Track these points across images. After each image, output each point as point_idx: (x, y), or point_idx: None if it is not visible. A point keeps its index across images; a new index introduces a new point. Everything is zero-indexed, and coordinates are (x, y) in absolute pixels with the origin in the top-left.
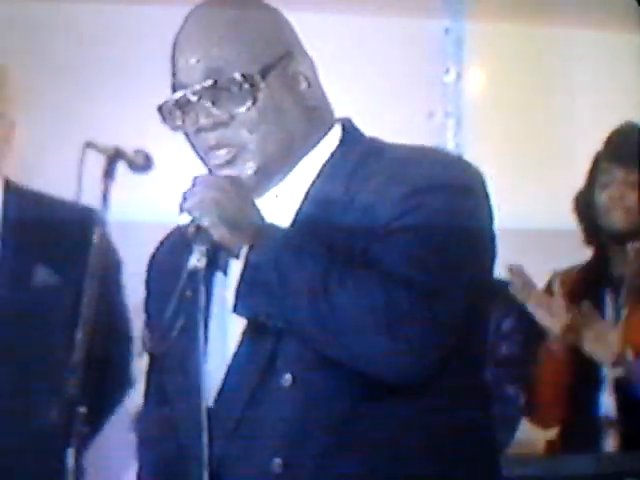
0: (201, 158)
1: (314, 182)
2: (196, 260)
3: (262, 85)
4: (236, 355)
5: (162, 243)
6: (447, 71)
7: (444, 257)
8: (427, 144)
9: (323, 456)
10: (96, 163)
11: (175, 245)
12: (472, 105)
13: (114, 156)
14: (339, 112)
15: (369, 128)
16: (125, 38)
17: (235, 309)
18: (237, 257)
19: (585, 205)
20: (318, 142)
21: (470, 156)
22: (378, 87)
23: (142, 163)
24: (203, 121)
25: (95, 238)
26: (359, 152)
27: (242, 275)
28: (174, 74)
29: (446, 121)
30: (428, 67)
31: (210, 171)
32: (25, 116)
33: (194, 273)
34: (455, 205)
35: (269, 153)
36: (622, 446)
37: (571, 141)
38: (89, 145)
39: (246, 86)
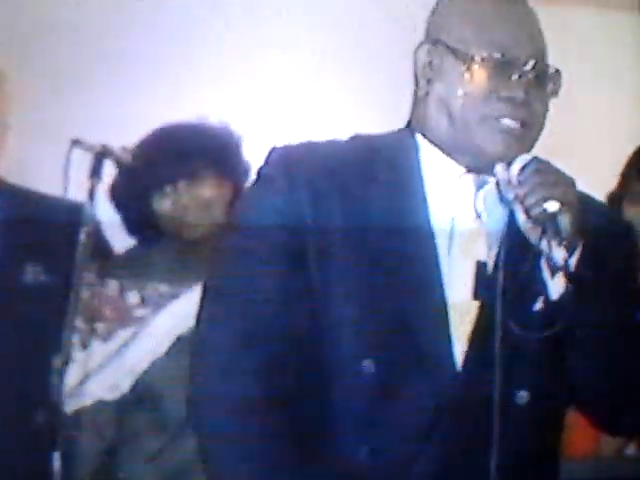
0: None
1: None
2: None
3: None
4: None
5: None
6: None
7: None
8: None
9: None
10: (83, 161)
11: None
12: None
13: (101, 154)
14: (336, 108)
15: (367, 124)
16: (115, 36)
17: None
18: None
19: None
20: None
21: None
22: (378, 84)
23: (129, 160)
24: (519, 93)
25: (82, 235)
26: None
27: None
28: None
29: None
30: None
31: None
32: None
33: None
34: None
35: (527, 148)
36: None
37: (571, 137)
38: (76, 143)
39: (552, 75)
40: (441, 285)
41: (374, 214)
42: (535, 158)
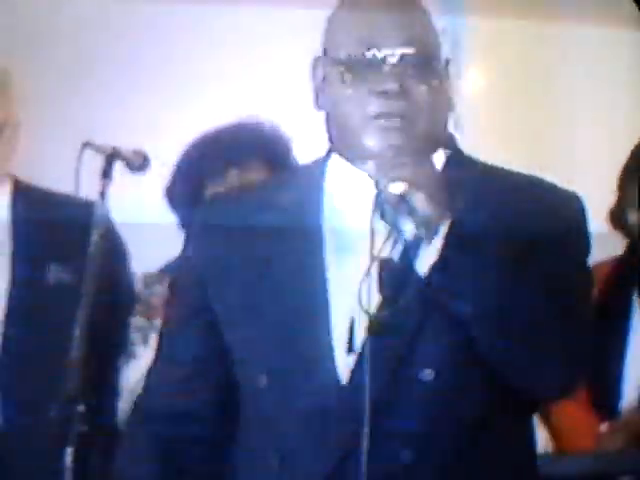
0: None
1: None
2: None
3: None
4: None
5: None
6: None
7: None
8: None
9: (450, 456)
10: (94, 163)
11: None
12: (470, 104)
13: (112, 156)
14: None
15: None
16: (128, 37)
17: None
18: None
19: (619, 224)
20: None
21: None
22: None
23: (140, 163)
24: (391, 85)
25: (94, 235)
26: None
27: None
28: (359, 32)
29: None
30: None
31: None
32: (22, 115)
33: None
34: None
35: (415, 139)
36: None
37: (570, 140)
38: (87, 145)
39: (436, 66)
40: (325, 291)
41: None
42: (404, 128)
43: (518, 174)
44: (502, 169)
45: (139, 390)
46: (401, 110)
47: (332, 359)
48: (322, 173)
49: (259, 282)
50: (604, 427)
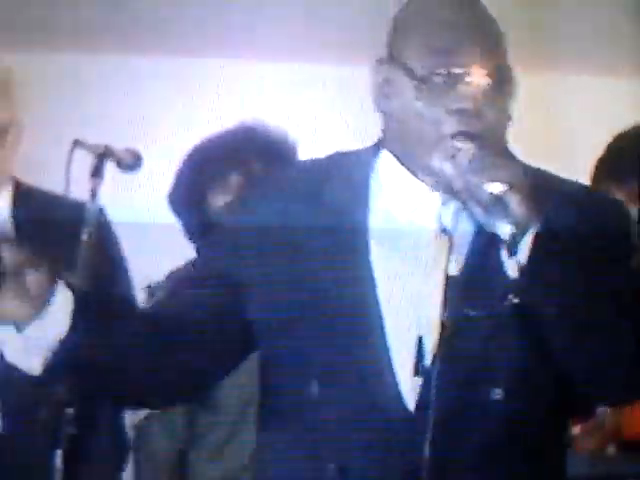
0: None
1: None
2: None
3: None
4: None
5: None
6: None
7: None
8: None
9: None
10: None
11: None
12: None
13: (103, 154)
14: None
15: (359, 132)
16: (119, 36)
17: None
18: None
19: None
20: None
21: None
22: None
23: (131, 162)
24: (469, 104)
25: (85, 235)
26: None
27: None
28: (436, 46)
29: None
30: None
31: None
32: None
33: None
34: None
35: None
36: None
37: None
38: (77, 143)
39: (508, 77)
40: (380, 316)
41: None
42: (479, 147)
43: (565, 180)
44: (554, 175)
45: None
46: (476, 129)
47: (393, 375)
48: (371, 169)
49: (301, 280)
50: (577, 429)
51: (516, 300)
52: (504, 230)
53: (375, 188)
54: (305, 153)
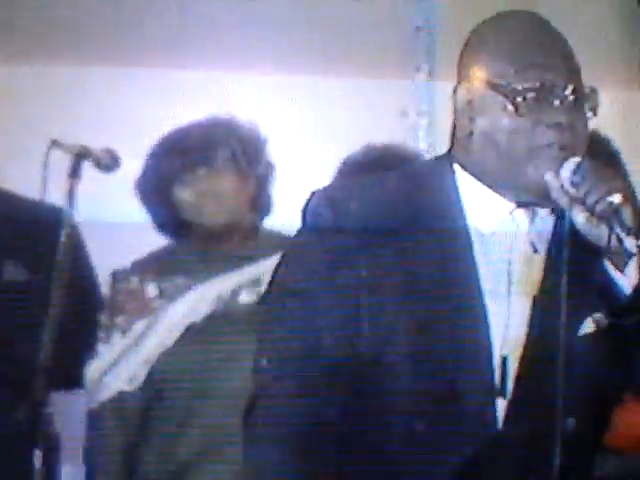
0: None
1: None
2: None
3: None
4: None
5: None
6: (419, 69)
7: None
8: (399, 143)
9: None
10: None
11: None
12: (445, 104)
13: (80, 155)
14: (310, 110)
15: (341, 127)
16: (98, 36)
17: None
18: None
19: None
20: None
21: None
22: (350, 86)
23: (109, 162)
24: (562, 118)
25: (63, 237)
26: None
27: None
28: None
29: (419, 120)
30: (400, 65)
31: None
32: None
33: None
34: None
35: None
36: None
37: None
38: (55, 143)
39: (589, 94)
40: (489, 342)
41: (423, 261)
42: (584, 158)
43: None
44: None
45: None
46: (567, 142)
47: (493, 403)
48: (454, 181)
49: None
50: None
51: (623, 320)
52: (627, 242)
53: (465, 200)
54: (276, 151)
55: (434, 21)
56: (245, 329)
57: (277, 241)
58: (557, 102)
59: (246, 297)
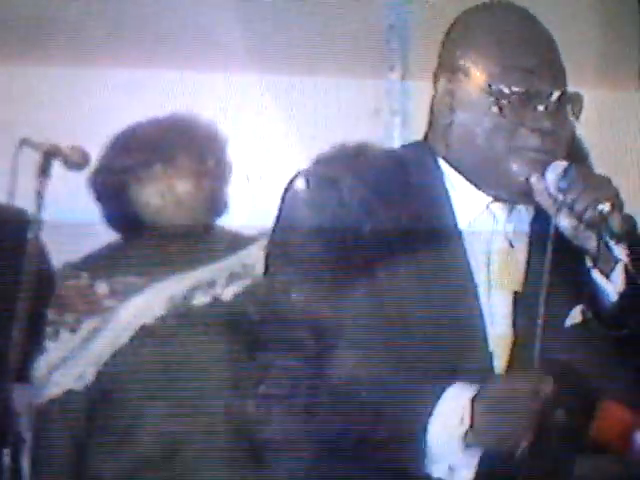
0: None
1: None
2: None
3: None
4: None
5: None
6: (392, 68)
7: None
8: (373, 141)
9: None
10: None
11: None
12: (419, 103)
13: (49, 153)
14: (282, 109)
15: (315, 124)
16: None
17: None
18: None
19: None
20: None
21: None
22: (323, 83)
23: (78, 160)
24: (545, 123)
25: (30, 240)
26: None
27: None
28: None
29: (392, 119)
30: (373, 63)
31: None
32: None
33: None
34: None
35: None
36: None
37: None
38: (24, 142)
39: (574, 98)
40: (484, 327)
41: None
42: (572, 163)
43: None
44: None
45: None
46: (548, 146)
47: None
48: (440, 174)
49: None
50: None
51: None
52: (616, 249)
53: (451, 194)
54: (236, 150)
55: (408, 20)
56: (200, 331)
57: (232, 242)
58: (541, 107)
59: (201, 298)
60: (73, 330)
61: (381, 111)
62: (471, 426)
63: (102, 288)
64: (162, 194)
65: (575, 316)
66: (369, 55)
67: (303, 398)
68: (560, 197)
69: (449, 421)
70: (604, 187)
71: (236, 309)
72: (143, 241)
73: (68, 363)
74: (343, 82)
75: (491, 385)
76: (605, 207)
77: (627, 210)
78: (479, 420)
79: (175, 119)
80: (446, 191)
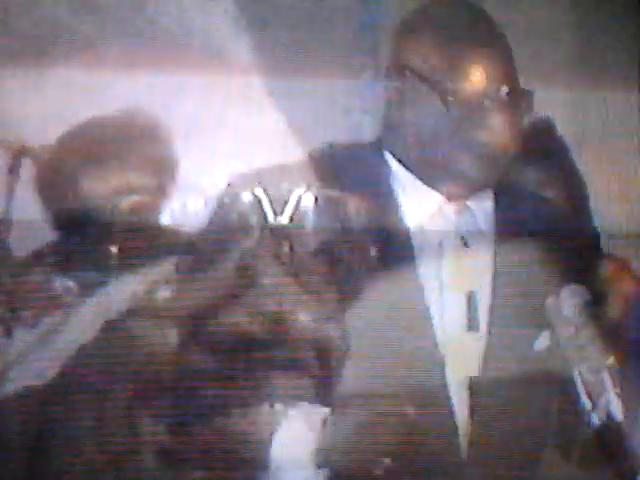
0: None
1: None
2: None
3: None
4: None
5: None
6: (363, 67)
7: None
8: (343, 141)
9: None
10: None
11: None
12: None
13: (19, 152)
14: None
15: (285, 124)
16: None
17: None
18: None
19: None
20: None
21: None
22: (293, 82)
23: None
24: (492, 120)
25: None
26: None
27: None
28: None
29: (363, 118)
30: (344, 63)
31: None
32: None
33: None
34: None
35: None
36: None
37: None
38: None
39: (524, 94)
40: (433, 331)
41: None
42: (587, 297)
43: None
44: None
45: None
46: (499, 141)
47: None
48: (387, 171)
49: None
50: None
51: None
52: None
53: (398, 192)
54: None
55: (379, 19)
56: (167, 324)
57: (184, 239)
58: (488, 102)
59: (165, 292)
60: (31, 326)
61: (351, 111)
62: (321, 447)
63: (60, 284)
64: (117, 192)
65: (543, 342)
66: (340, 55)
67: None
68: (576, 335)
69: (296, 438)
70: (610, 335)
71: None
72: (98, 238)
73: (27, 360)
74: (314, 82)
75: (345, 408)
76: (610, 362)
77: (628, 210)
78: (329, 441)
79: (130, 118)
80: (392, 190)
